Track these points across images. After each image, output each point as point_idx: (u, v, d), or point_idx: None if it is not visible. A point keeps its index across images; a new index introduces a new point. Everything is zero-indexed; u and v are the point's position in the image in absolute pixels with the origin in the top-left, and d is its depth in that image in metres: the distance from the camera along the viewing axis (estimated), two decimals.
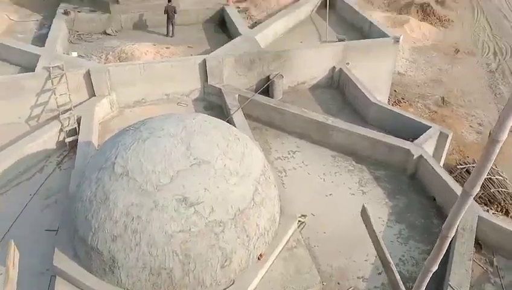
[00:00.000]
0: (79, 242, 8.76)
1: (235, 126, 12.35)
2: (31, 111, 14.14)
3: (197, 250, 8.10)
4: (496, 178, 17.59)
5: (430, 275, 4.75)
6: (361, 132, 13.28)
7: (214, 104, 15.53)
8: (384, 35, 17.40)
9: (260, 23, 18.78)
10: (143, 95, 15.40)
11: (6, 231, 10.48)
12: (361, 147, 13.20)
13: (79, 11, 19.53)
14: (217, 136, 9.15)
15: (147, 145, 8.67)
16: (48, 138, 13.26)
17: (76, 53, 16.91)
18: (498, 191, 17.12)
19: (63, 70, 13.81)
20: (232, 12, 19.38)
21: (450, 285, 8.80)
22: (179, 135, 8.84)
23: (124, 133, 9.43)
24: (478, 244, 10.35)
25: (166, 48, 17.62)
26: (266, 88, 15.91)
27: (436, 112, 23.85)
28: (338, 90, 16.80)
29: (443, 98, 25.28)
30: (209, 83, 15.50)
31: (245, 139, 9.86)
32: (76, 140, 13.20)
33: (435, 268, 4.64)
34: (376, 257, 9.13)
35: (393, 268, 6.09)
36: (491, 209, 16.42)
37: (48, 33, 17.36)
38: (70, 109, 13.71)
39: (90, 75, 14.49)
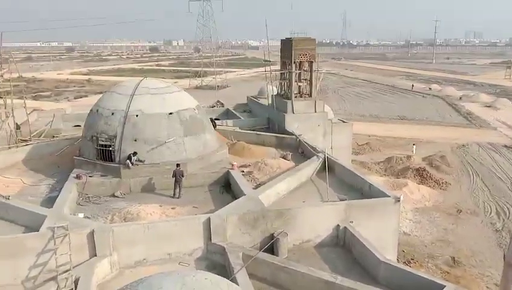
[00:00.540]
0: None
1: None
2: (29, 272, 13.72)
3: None
4: None
5: None
6: None
7: (217, 264, 15.08)
8: (384, 195, 17.82)
9: (263, 184, 19.49)
10: (145, 255, 15.10)
11: None
12: None
13: (91, 176, 20.55)
14: None
15: None
16: None
17: (83, 214, 17.19)
18: None
19: (67, 230, 13.88)
20: (237, 175, 20.34)
21: None
22: None
23: None
24: None
25: (172, 208, 17.98)
26: (271, 246, 15.64)
27: (448, 273, 22.90)
28: (344, 248, 16.47)
29: (453, 258, 24.57)
30: (212, 242, 15.33)
31: None
32: None
33: None
34: None
35: None
36: None
37: (57, 196, 17.94)
38: (69, 270, 13.32)
39: (93, 235, 14.46)
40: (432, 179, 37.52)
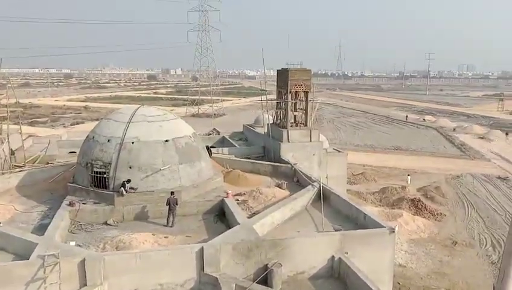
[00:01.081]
0: None
1: None
2: None
3: None
4: None
5: None
6: None
7: None
8: (379, 226, 17.73)
9: (258, 213, 19.36)
10: (136, 285, 14.79)
11: None
12: None
13: (84, 203, 20.35)
14: None
15: None
16: None
17: (74, 242, 16.93)
18: None
19: (57, 258, 13.64)
20: (231, 203, 20.23)
21: None
22: None
23: None
24: None
25: (165, 237, 17.76)
26: (264, 277, 15.41)
27: None
28: (339, 280, 16.25)
29: None
30: (205, 272, 15.08)
31: None
32: None
33: None
34: None
35: None
36: None
37: (49, 223, 17.71)
38: None
39: (84, 264, 14.20)
40: (426, 210, 37.45)
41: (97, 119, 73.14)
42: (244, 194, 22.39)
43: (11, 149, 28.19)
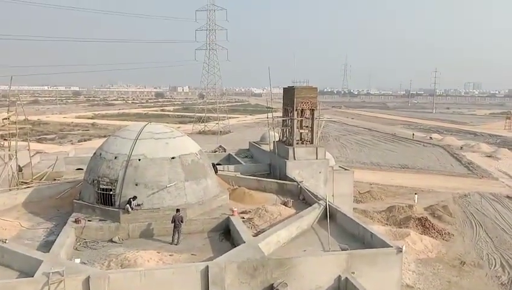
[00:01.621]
0: None
1: None
2: None
3: None
4: None
5: None
6: None
7: None
8: (386, 245, 17.53)
9: (264, 232, 19.24)
10: None
11: None
12: None
13: (89, 220, 20.37)
14: None
15: None
16: None
17: (79, 259, 16.88)
18: None
19: (62, 276, 13.62)
20: (237, 221, 20.14)
21: None
22: None
23: None
24: None
25: (170, 255, 17.67)
26: None
27: None
28: None
29: None
30: None
31: None
32: None
33: None
34: None
35: None
36: None
37: (55, 240, 17.71)
38: None
39: (89, 281, 14.14)
40: (434, 230, 37.03)
41: (104, 136, 73.65)
42: (250, 212, 22.31)
43: (19, 166, 28.40)
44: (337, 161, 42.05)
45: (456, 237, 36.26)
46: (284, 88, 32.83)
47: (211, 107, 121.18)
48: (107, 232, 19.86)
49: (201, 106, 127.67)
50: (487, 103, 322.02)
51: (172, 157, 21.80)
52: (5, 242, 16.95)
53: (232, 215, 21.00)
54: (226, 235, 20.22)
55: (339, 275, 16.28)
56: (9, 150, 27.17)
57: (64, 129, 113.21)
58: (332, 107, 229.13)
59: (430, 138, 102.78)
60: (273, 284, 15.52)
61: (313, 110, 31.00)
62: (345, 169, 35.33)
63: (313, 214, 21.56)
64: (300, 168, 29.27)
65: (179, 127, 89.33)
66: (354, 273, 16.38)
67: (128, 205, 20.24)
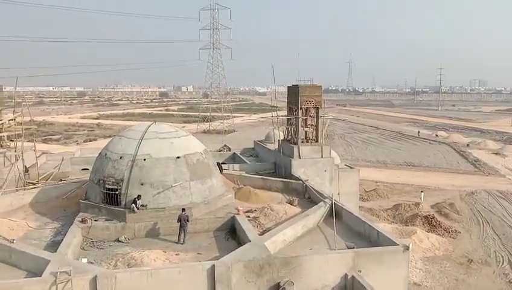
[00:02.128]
0: None
1: None
2: None
3: None
4: None
5: None
6: None
7: None
8: (392, 243, 17.47)
9: (269, 230, 19.22)
10: None
11: None
12: None
13: (96, 220, 20.45)
14: None
15: None
16: None
17: (86, 259, 16.95)
18: None
19: (69, 275, 13.69)
20: (242, 220, 20.14)
21: None
22: None
23: None
24: None
25: (176, 254, 17.72)
26: None
27: None
28: None
29: None
30: None
31: None
32: None
33: None
34: None
35: None
36: None
37: (62, 240, 17.79)
38: None
39: (96, 281, 14.20)
40: (441, 227, 36.83)
41: (109, 136, 73.94)
42: (255, 210, 22.29)
43: (25, 166, 28.57)
44: (342, 159, 41.97)
45: (463, 235, 36.04)
46: (288, 87, 32.76)
47: (216, 107, 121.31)
48: (113, 232, 19.93)
49: (205, 106, 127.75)
50: (493, 100, 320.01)
51: (178, 157, 21.84)
52: (13, 242, 17.07)
53: (237, 214, 21.01)
54: (231, 234, 20.23)
55: (346, 274, 16.25)
56: (15, 151, 27.34)
57: (69, 130, 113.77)
58: (337, 105, 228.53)
59: (436, 135, 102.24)
60: (279, 283, 15.51)
61: (317, 108, 30.92)
62: (351, 167, 35.24)
63: (318, 212, 21.51)
64: (306, 166, 29.22)
65: (183, 127, 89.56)
66: (360, 271, 16.34)
67: (133, 204, 20.29)
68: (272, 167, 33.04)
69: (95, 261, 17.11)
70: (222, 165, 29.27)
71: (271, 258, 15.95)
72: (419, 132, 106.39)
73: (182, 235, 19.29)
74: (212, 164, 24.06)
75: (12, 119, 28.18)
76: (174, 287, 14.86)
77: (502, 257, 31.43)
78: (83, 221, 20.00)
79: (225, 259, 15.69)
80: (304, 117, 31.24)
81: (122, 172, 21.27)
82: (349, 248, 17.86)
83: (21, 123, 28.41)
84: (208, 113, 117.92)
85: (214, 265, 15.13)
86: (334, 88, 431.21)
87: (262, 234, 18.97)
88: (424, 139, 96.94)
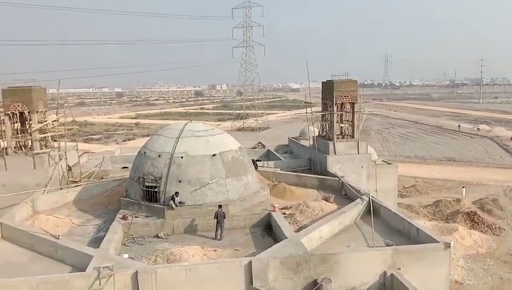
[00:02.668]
0: None
1: None
2: None
3: None
4: None
5: None
6: None
7: None
8: (433, 240, 17.03)
9: (305, 227, 19.16)
10: None
11: None
12: None
13: (136, 217, 21.04)
14: None
15: None
16: None
17: (127, 255, 17.48)
18: None
19: (112, 270, 14.15)
20: (278, 217, 20.17)
21: None
22: None
23: None
24: None
25: (214, 250, 17.97)
26: None
27: None
28: None
29: None
30: (253, 286, 15.05)
31: None
32: None
33: None
34: None
35: None
36: None
37: (104, 236, 18.43)
38: None
39: (137, 276, 14.62)
40: (484, 224, 35.47)
41: (147, 135, 75.69)
42: (291, 207, 22.27)
43: (68, 165, 29.70)
44: (379, 155, 41.09)
45: (507, 232, 34.58)
46: (322, 82, 32.45)
47: (249, 104, 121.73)
48: (152, 228, 20.45)
49: (239, 103, 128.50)
50: None
51: (213, 155, 22.13)
52: (58, 238, 17.79)
53: (273, 211, 21.05)
54: (267, 231, 20.31)
55: (385, 271, 15.99)
56: (59, 151, 28.48)
57: (109, 129, 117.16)
58: (373, 100, 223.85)
59: (478, 129, 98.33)
60: (316, 279, 15.45)
61: (353, 103, 30.47)
62: (388, 163, 34.52)
63: (355, 209, 21.23)
64: (341, 163, 28.89)
65: (218, 125, 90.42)
66: (399, 269, 16.04)
67: (172, 201, 20.74)
68: (307, 163, 32.85)
69: (135, 257, 17.62)
70: (257, 162, 29.37)
71: (308, 255, 15.91)
72: (459, 125, 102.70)
73: (219, 231, 19.55)
74: (247, 161, 24.21)
75: (55, 120, 29.34)
76: (212, 282, 15.08)
77: None
78: (124, 218, 20.62)
79: (262, 255, 15.79)
80: (339, 113, 30.86)
81: (160, 170, 21.77)
82: (387, 245, 17.53)
83: (64, 124, 29.53)
84: (242, 111, 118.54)
85: (251, 261, 15.25)
86: (369, 82, 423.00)
87: (298, 231, 18.94)
88: (465, 133, 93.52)
